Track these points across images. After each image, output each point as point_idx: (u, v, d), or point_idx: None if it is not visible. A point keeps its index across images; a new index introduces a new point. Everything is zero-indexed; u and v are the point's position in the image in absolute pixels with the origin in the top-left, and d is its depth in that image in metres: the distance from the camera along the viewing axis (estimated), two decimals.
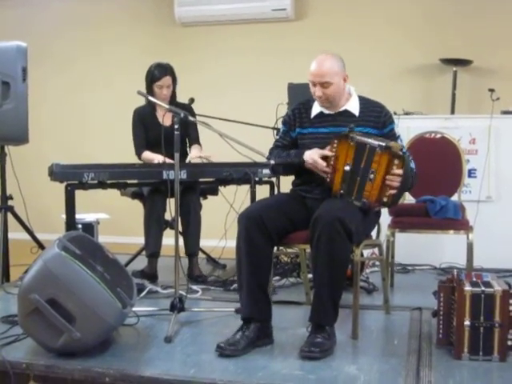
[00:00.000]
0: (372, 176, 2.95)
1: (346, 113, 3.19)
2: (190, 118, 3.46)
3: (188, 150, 4.61)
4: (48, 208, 6.05)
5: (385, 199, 2.96)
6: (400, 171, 2.90)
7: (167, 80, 4.37)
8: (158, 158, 4.15)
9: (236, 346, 2.81)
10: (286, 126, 3.35)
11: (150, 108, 4.44)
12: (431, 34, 5.63)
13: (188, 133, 4.57)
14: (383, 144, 2.92)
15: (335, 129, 3.14)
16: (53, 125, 6.64)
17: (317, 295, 2.88)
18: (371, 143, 2.95)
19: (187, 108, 4.35)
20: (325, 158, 3.08)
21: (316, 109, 3.24)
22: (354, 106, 3.20)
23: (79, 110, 6.62)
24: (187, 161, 4.34)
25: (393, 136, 3.16)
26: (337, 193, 3.07)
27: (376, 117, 3.18)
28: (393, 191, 2.93)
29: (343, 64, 3.15)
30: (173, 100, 4.44)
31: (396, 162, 2.90)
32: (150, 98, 3.78)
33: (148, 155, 4.35)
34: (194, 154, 4.41)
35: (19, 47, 4.20)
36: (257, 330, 2.90)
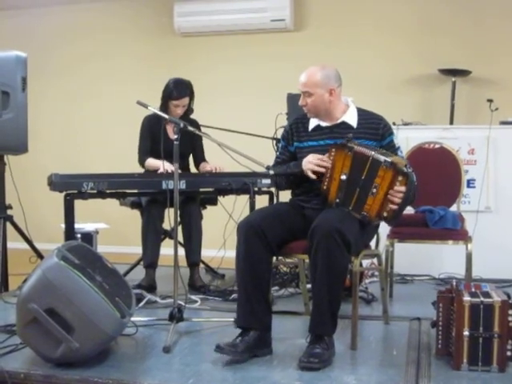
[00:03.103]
0: (375, 190, 2.94)
1: (344, 124, 3.20)
2: (190, 128, 3.46)
3: (191, 166, 4.63)
4: (47, 217, 6.05)
5: (385, 214, 2.95)
6: (403, 188, 2.89)
7: (185, 100, 4.36)
8: (161, 165, 4.12)
9: (235, 348, 2.82)
10: (284, 140, 3.37)
11: (161, 118, 4.38)
12: (430, 44, 5.65)
13: (194, 150, 4.60)
14: (389, 160, 2.91)
15: (333, 141, 3.14)
16: (52, 134, 6.65)
17: (316, 305, 2.87)
18: (374, 156, 2.95)
19: (195, 123, 4.36)
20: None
21: (313, 122, 3.25)
22: (351, 118, 3.21)
23: (78, 119, 6.64)
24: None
25: (392, 148, 3.17)
26: (332, 202, 3.08)
27: (375, 129, 3.19)
28: (394, 207, 2.92)
29: (334, 77, 3.16)
30: (185, 115, 4.42)
31: (400, 178, 2.89)
32: (150, 107, 3.75)
33: (151, 162, 4.35)
34: (208, 167, 4.44)
35: (19, 57, 4.21)
36: (256, 338, 2.90)
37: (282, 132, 3.44)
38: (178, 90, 4.34)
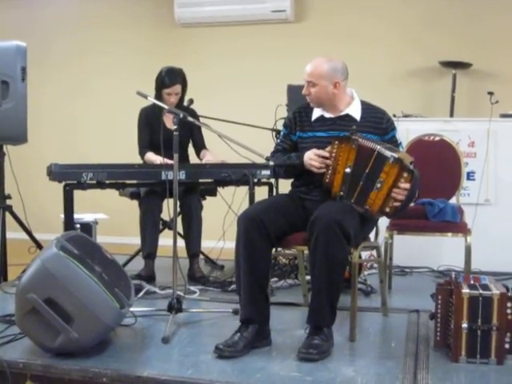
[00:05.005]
0: (379, 185, 2.94)
1: (347, 117, 3.19)
2: (189, 119, 3.45)
3: (189, 154, 4.62)
4: (46, 208, 6.04)
5: (387, 209, 2.96)
6: (407, 185, 2.90)
7: (177, 88, 4.34)
8: (159, 160, 4.11)
9: (234, 347, 2.81)
10: (286, 129, 3.35)
11: (157, 109, 4.32)
12: (431, 37, 5.63)
13: (193, 138, 4.58)
14: (396, 156, 2.91)
15: (336, 133, 3.14)
16: (52, 125, 6.63)
17: (315, 297, 2.88)
18: (380, 151, 2.95)
19: (191, 112, 4.33)
20: (324, 158, 3.09)
21: (317, 112, 3.24)
22: (355, 111, 3.20)
23: (78, 110, 6.62)
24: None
25: (394, 143, 3.17)
26: (336, 195, 3.07)
27: (377, 123, 3.18)
28: (396, 203, 2.93)
29: (340, 70, 3.15)
30: (179, 104, 4.36)
31: (405, 175, 2.90)
32: (150, 98, 3.73)
33: (150, 156, 4.34)
34: (210, 158, 4.40)
35: (19, 47, 4.20)
36: (255, 332, 2.90)
37: (285, 120, 3.44)
38: (170, 77, 4.32)
